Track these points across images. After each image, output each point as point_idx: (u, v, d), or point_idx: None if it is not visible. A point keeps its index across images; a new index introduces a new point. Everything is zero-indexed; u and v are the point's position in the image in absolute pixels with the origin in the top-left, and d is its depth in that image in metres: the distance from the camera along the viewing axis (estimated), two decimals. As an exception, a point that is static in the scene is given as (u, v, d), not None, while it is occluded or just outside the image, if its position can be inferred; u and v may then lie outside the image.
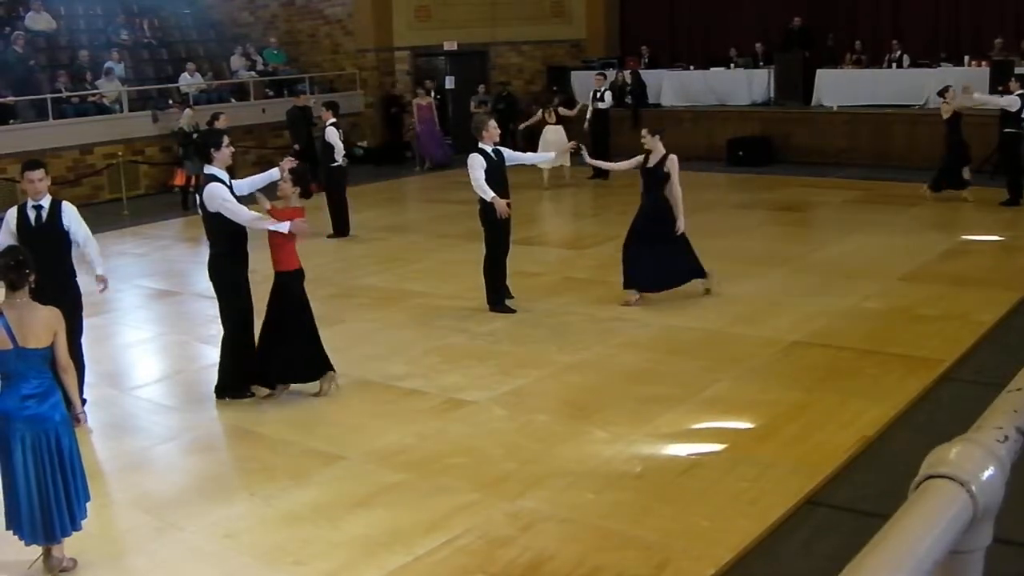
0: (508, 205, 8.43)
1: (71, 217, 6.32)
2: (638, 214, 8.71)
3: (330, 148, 12.46)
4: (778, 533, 4.70)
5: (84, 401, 6.15)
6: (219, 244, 6.66)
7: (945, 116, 12.62)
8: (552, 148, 15.22)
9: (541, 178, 15.47)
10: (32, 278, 4.45)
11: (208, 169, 6.65)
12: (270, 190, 7.05)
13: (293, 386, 6.85)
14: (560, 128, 15.66)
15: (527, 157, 10.01)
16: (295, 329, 6.66)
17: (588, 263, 10.69)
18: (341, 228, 12.53)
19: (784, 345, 7.45)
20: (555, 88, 18.16)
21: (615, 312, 8.52)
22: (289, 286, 6.63)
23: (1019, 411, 1.47)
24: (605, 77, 16.97)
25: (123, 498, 5.42)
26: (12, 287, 4.41)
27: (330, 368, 6.80)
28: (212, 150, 6.64)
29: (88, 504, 4.58)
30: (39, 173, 6.22)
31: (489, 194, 8.32)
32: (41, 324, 4.39)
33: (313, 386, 6.82)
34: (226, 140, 6.75)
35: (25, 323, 4.35)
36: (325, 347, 6.78)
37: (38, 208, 6.21)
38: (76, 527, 4.51)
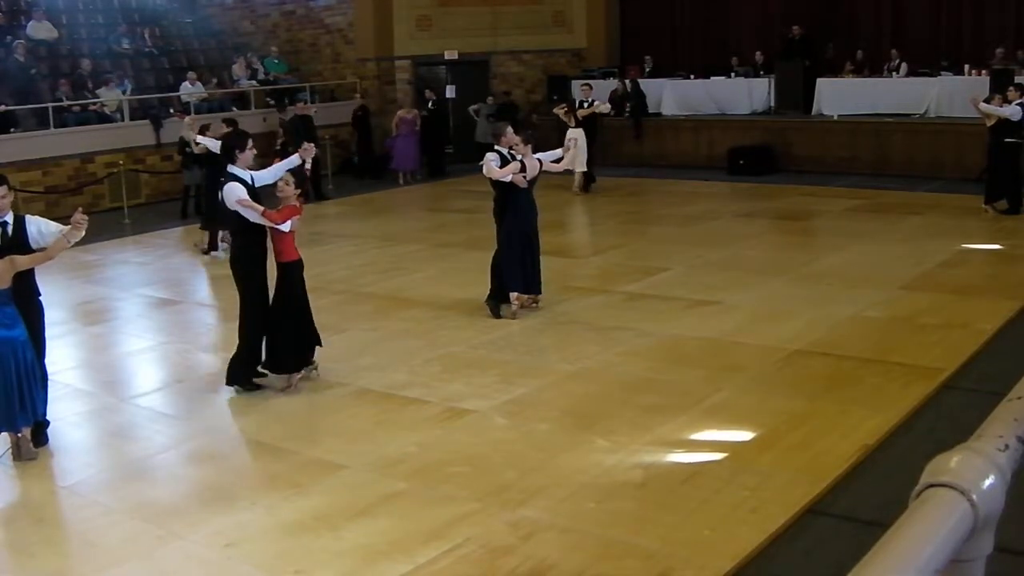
0: (525, 178, 8.59)
1: (37, 226, 6.06)
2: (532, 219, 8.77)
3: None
4: (779, 542, 4.70)
5: (47, 423, 6.24)
6: (240, 238, 7.07)
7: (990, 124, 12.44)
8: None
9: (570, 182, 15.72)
10: None
11: (231, 168, 6.99)
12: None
13: (294, 391, 7.01)
14: (581, 131, 15.55)
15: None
16: (295, 316, 7.05)
17: (588, 272, 10.69)
18: None
19: (785, 354, 7.45)
20: (589, 84, 17.54)
21: (616, 321, 8.52)
22: (290, 275, 7.04)
23: (1020, 420, 1.47)
24: (591, 88, 16.96)
25: (124, 507, 5.41)
26: None
27: (308, 363, 7.18)
28: (237, 151, 7.02)
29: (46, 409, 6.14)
30: (2, 190, 5.97)
31: (507, 174, 8.52)
32: (3, 271, 5.74)
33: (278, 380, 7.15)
34: (250, 143, 7.13)
35: None
36: (326, 355, 6.78)
37: (3, 225, 5.98)
38: (37, 417, 6.01)
